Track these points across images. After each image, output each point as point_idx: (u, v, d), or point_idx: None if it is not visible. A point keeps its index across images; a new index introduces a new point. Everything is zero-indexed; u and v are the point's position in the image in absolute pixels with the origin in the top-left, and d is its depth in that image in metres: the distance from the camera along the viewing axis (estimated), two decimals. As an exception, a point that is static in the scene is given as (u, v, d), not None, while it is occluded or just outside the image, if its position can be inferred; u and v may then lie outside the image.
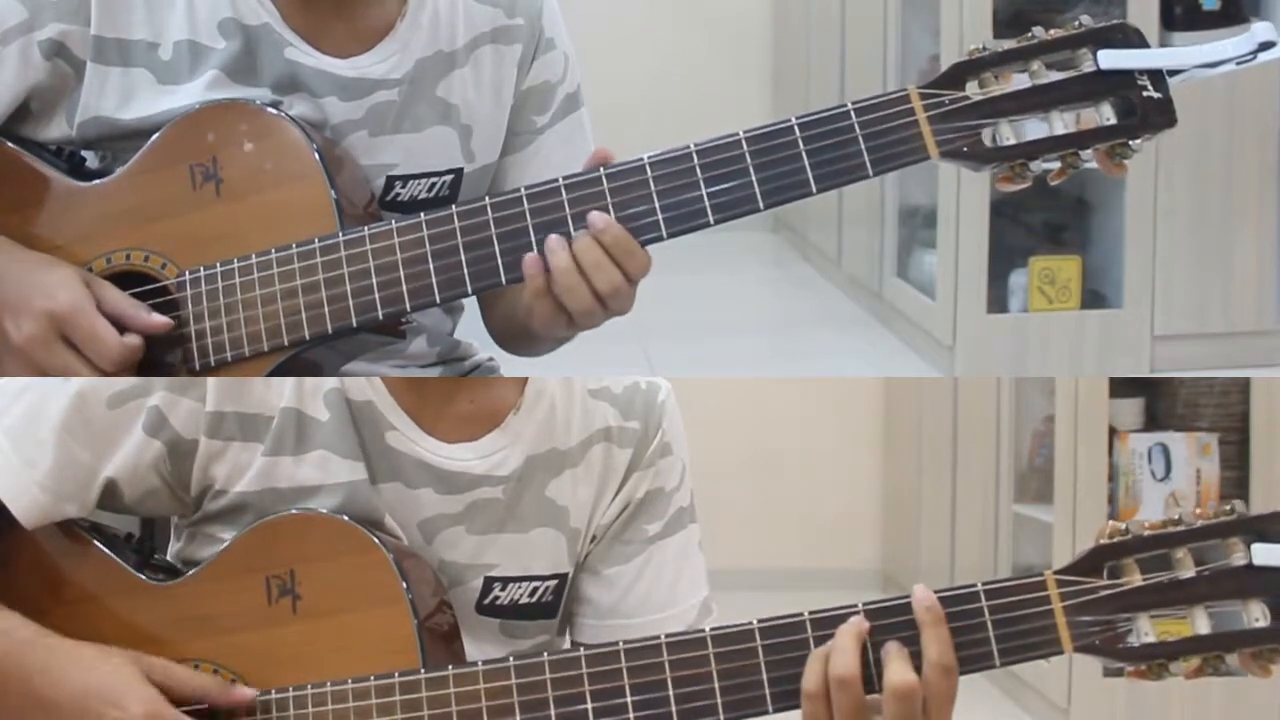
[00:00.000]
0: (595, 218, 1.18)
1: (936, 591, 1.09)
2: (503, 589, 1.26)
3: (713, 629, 1.12)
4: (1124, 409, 3.16)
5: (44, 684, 1.13)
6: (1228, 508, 1.07)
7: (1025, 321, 3.43)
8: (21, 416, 1.19)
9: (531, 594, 1.27)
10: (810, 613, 1.10)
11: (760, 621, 1.11)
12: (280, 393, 1.21)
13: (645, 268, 1.20)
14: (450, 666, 1.14)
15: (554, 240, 1.19)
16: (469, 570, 1.25)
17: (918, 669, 1.07)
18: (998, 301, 3.45)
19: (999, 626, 1.08)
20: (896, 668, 1.07)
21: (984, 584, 1.09)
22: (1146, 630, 1.07)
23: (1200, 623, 1.06)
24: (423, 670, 1.15)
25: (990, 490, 3.59)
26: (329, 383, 1.22)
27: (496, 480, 1.24)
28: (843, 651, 1.08)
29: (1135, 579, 1.07)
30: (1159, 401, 3.23)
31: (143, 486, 1.20)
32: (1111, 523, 1.09)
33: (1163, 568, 1.07)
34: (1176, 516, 1.07)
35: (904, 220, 3.90)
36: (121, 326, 1.23)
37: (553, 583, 1.28)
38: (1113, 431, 3.12)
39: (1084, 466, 3.09)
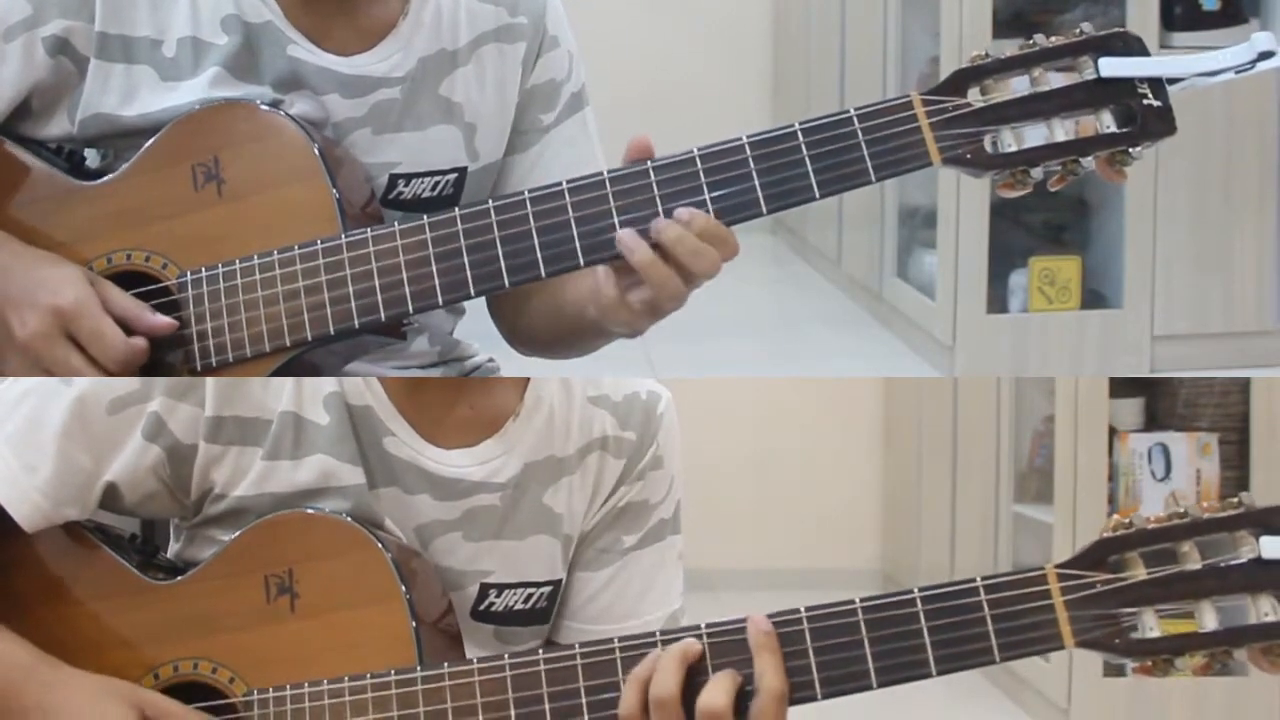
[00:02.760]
0: (681, 212, 1.17)
1: (935, 586, 1.08)
2: (498, 595, 1.26)
3: (708, 625, 1.11)
4: (1124, 409, 3.16)
5: (39, 716, 1.13)
6: (1235, 499, 1.05)
7: (1025, 321, 3.43)
8: (22, 423, 1.19)
9: (526, 600, 1.27)
10: (807, 609, 1.10)
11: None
12: (279, 396, 1.21)
13: (736, 249, 1.19)
14: (446, 665, 1.14)
15: (629, 238, 1.17)
16: (465, 576, 1.25)
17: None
18: (998, 301, 3.45)
19: (998, 621, 1.07)
20: (709, 691, 1.07)
21: (983, 579, 1.08)
22: (1151, 625, 1.05)
23: (1207, 618, 1.05)
24: (419, 669, 1.14)
25: (990, 490, 3.59)
26: (328, 386, 1.22)
27: (494, 487, 1.24)
28: (663, 672, 1.08)
29: (1139, 573, 1.06)
30: (1159, 401, 3.23)
31: (142, 490, 1.20)
32: (1115, 515, 1.07)
33: (1168, 561, 1.06)
34: (1183, 510, 1.06)
35: (904, 220, 3.90)
36: (126, 328, 1.23)
37: (547, 589, 1.28)
38: (1113, 431, 3.12)
39: (1084, 466, 3.09)
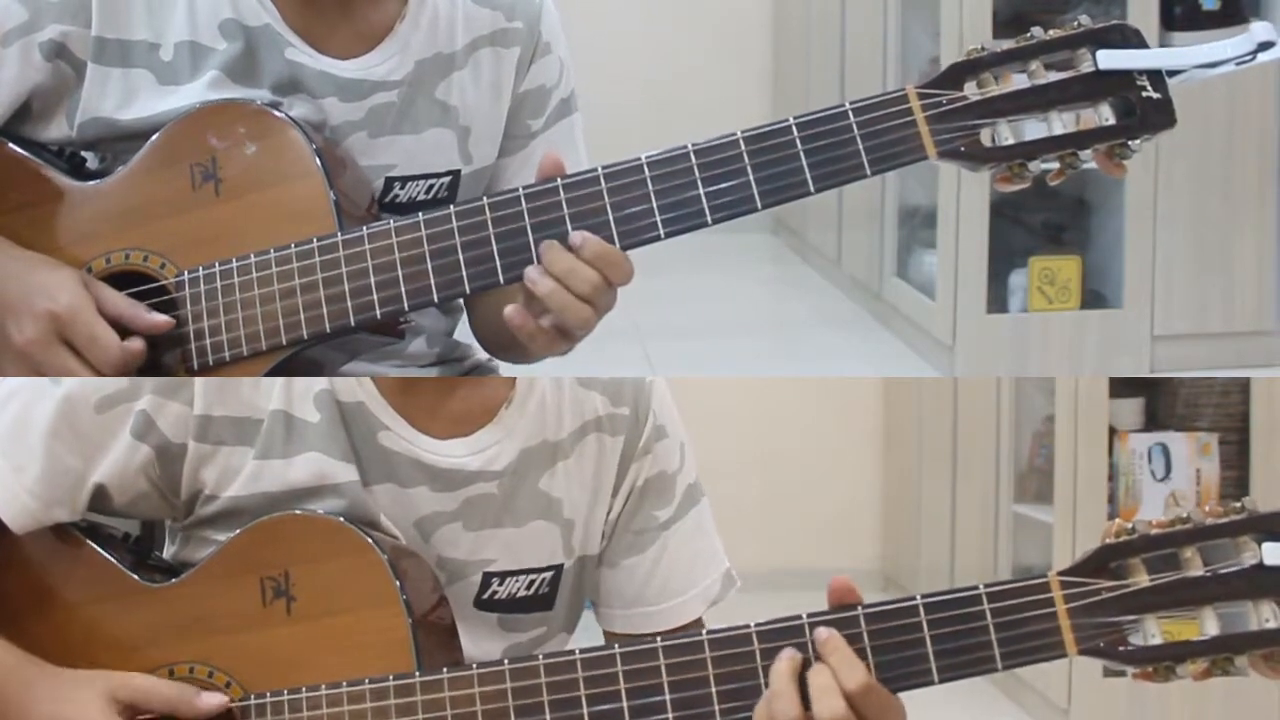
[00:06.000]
0: (574, 237, 1.18)
1: (938, 593, 1.08)
2: (500, 583, 1.26)
3: (709, 632, 1.11)
4: (1124, 409, 3.16)
5: (16, 716, 1.13)
6: (1238, 505, 1.05)
7: (1025, 321, 3.43)
8: (10, 423, 1.18)
9: (529, 587, 1.27)
10: (808, 615, 1.10)
11: (757, 625, 1.10)
12: (269, 395, 1.20)
13: (630, 275, 1.19)
14: (445, 670, 1.14)
15: (533, 271, 1.19)
16: (467, 566, 1.25)
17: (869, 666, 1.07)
18: (998, 301, 3.45)
19: (1001, 629, 1.07)
20: (824, 704, 1.07)
21: (986, 586, 1.08)
22: (1153, 632, 1.05)
23: (1209, 624, 1.04)
24: (418, 673, 1.14)
25: (990, 490, 3.59)
26: (319, 384, 1.21)
27: (491, 475, 1.24)
28: (781, 696, 1.08)
29: (1142, 579, 1.05)
30: (1159, 401, 3.23)
31: (132, 491, 1.20)
32: (1118, 522, 1.06)
33: (1170, 567, 1.05)
34: (1185, 515, 1.05)
35: (904, 220, 3.90)
36: (122, 328, 1.23)
37: (548, 574, 1.28)
38: (1113, 431, 3.12)
39: (1084, 466, 3.09)
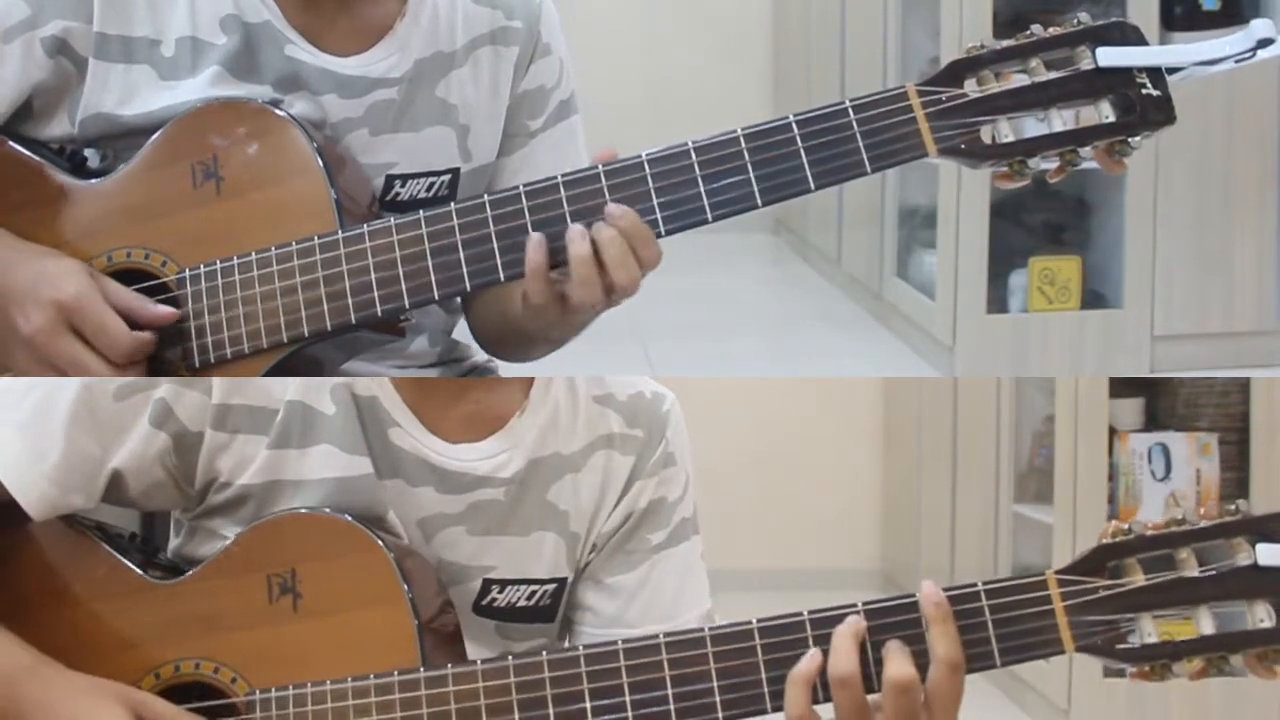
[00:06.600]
0: (612, 208, 1.18)
1: None
2: (500, 591, 1.26)
3: (711, 628, 1.11)
4: (1124, 409, 3.17)
5: (37, 716, 1.13)
6: (1232, 507, 1.06)
7: (1025, 321, 3.43)
8: (31, 410, 1.19)
9: (529, 597, 1.27)
10: (809, 612, 1.10)
11: (759, 621, 1.11)
12: (286, 385, 1.21)
13: (658, 257, 1.19)
14: (449, 666, 1.14)
15: (576, 230, 1.18)
16: (467, 571, 1.25)
17: (921, 667, 1.07)
18: (998, 301, 3.45)
19: (999, 626, 1.07)
20: (896, 662, 1.07)
21: (984, 583, 1.08)
22: (1149, 631, 1.06)
23: (1204, 623, 1.05)
24: (422, 669, 1.14)
25: (990, 490, 3.59)
26: (335, 378, 1.22)
27: (498, 482, 1.24)
28: (840, 652, 1.07)
29: (1138, 579, 1.06)
30: (1159, 401, 3.23)
31: (148, 479, 1.20)
32: (1114, 522, 1.08)
33: (1166, 568, 1.06)
34: (1180, 516, 1.06)
35: (904, 220, 3.91)
36: (129, 320, 1.23)
37: (551, 586, 1.28)
38: (1113, 431, 3.12)
39: (1084, 466, 3.10)
